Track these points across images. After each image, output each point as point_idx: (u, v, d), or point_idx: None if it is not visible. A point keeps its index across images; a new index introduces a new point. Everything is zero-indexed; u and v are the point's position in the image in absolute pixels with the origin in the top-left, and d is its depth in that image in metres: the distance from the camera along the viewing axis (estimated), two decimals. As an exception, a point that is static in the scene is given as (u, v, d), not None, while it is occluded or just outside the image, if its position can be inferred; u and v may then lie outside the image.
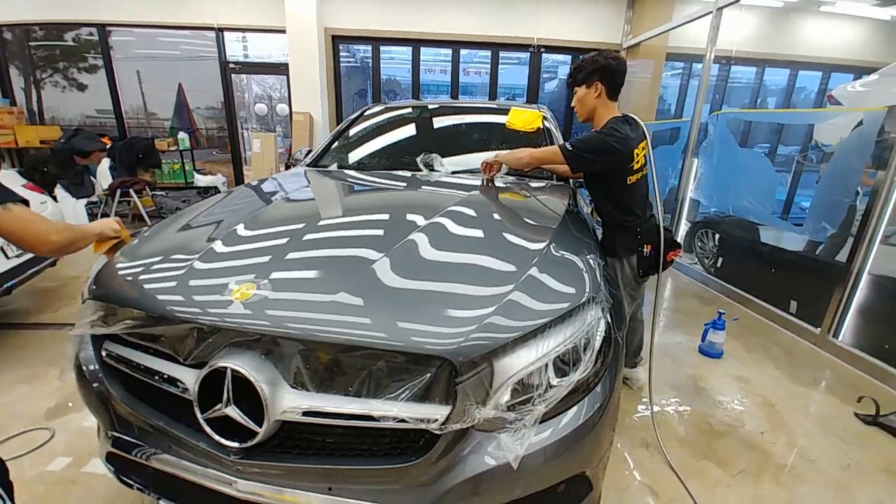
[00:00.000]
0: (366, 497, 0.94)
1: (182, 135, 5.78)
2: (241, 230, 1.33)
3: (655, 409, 2.12)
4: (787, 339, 2.98)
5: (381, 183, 1.98)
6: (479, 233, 1.36)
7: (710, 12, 3.91)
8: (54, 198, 3.61)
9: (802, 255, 3.31)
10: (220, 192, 5.71)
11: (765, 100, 6.67)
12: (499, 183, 1.99)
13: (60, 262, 3.25)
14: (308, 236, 1.27)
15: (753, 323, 3.21)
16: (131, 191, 5.29)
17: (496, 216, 1.54)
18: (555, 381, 0.96)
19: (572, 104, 1.97)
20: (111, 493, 1.56)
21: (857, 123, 3.47)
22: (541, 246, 1.23)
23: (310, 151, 2.62)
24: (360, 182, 2.03)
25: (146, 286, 1.08)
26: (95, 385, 1.17)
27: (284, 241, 1.23)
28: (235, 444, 0.93)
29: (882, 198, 2.51)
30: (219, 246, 1.23)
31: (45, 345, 2.58)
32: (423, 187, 1.89)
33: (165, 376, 1.02)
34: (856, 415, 2.13)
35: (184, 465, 1.04)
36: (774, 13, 6.06)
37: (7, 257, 2.54)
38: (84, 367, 1.21)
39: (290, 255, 1.16)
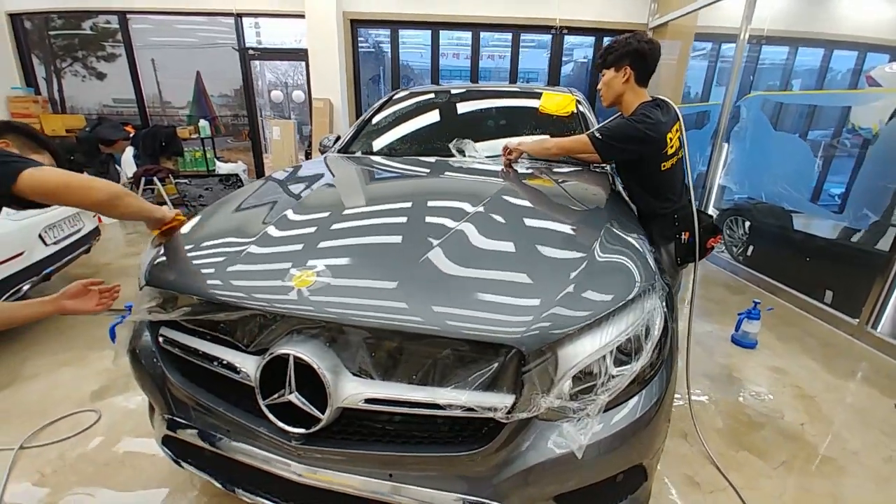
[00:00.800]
0: (427, 484, 0.95)
1: (203, 123, 5.81)
2: (291, 215, 1.34)
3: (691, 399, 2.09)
4: (822, 329, 2.91)
5: (420, 170, 1.95)
6: (529, 220, 1.34)
7: (746, -11, 3.74)
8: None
9: (839, 243, 3.20)
10: (240, 179, 5.79)
11: (796, 82, 6.41)
12: (526, 168, 1.94)
13: (93, 248, 3.32)
14: (359, 223, 1.27)
15: (786, 313, 3.14)
16: (155, 179, 5.36)
17: (544, 202, 1.52)
18: (616, 371, 0.95)
19: (598, 87, 1.90)
20: (160, 474, 1.61)
21: (900, 105, 3.31)
22: (596, 233, 1.20)
23: (338, 138, 2.60)
24: (400, 168, 2.00)
25: (206, 273, 1.09)
26: (152, 370, 1.20)
27: (335, 226, 1.23)
28: (299, 430, 0.94)
29: (931, 184, 2.41)
30: (272, 231, 1.23)
31: (85, 329, 2.65)
32: (463, 174, 1.86)
33: (224, 362, 1.03)
34: (898, 407, 2.08)
35: (243, 448, 1.06)
36: (809, -10, 5.78)
37: (46, 244, 2.60)
38: (139, 352, 1.23)
39: (344, 242, 1.16)
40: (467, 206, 1.32)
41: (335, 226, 1.23)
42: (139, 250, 4.03)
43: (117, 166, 5.65)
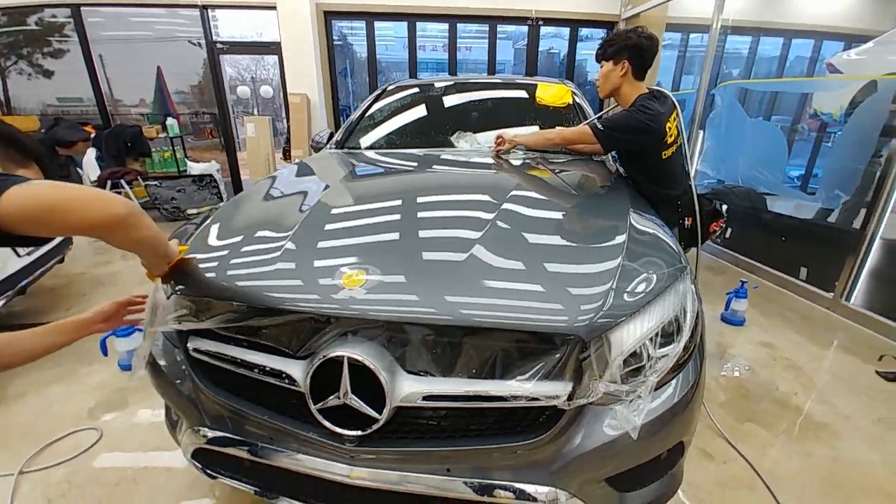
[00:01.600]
0: (486, 476, 0.95)
1: (171, 121, 5.53)
2: (321, 211, 1.31)
3: (693, 376, 2.19)
4: (800, 304, 3.09)
5: (436, 164, 1.93)
6: (558, 210, 1.36)
7: (717, -19, 3.87)
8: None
9: (812, 222, 3.41)
10: (215, 180, 5.55)
11: (759, 69, 6.72)
12: (523, 159, 1.96)
13: (67, 258, 3.12)
14: (392, 217, 1.25)
15: (765, 290, 3.32)
16: (122, 182, 5.07)
17: (566, 192, 1.54)
18: (661, 353, 0.98)
19: (596, 78, 1.94)
20: (178, 489, 1.55)
21: (858, 91, 3.54)
22: (624, 219, 1.24)
23: (332, 135, 2.54)
24: (417, 162, 1.97)
25: (246, 276, 1.04)
26: (180, 381, 1.15)
27: (370, 221, 1.21)
28: (356, 433, 0.92)
29: (896, 164, 2.59)
30: (306, 228, 1.19)
31: (67, 344, 2.49)
32: (477, 168, 1.85)
33: (267, 369, 1.00)
34: (877, 373, 2.25)
35: (288, 455, 1.03)
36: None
37: (19, 255, 2.42)
38: (165, 365, 1.18)
39: (382, 237, 1.14)
40: (494, 200, 1.32)
41: (369, 220, 1.21)
42: (110, 259, 3.82)
43: (79, 169, 5.30)
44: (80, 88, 6.05)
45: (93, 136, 5.40)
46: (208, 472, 1.18)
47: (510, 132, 1.98)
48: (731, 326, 2.74)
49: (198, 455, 1.17)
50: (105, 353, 2.21)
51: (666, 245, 1.20)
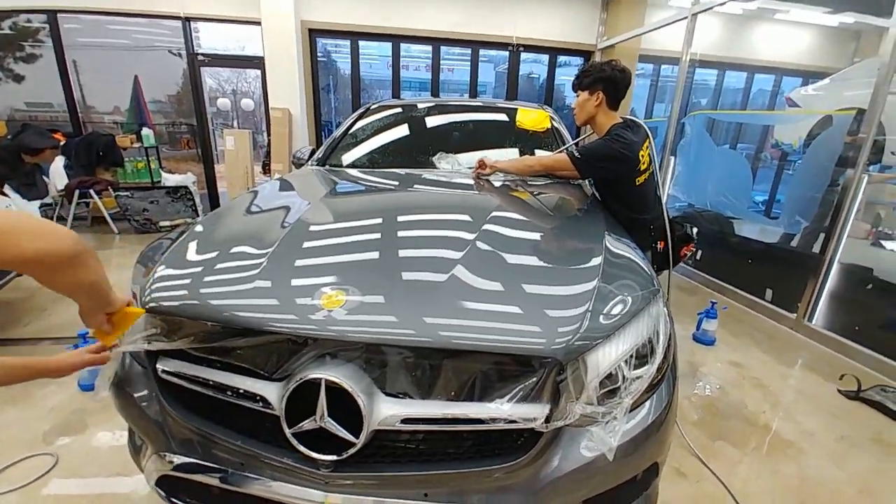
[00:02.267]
0: (465, 500, 0.94)
1: (146, 131, 5.41)
2: (301, 229, 1.29)
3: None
4: (766, 324, 3.22)
5: (417, 185, 1.94)
6: (536, 232, 1.39)
7: (686, 17, 4.12)
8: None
9: (776, 246, 3.58)
10: (190, 191, 5.43)
11: (725, 100, 7.12)
12: (502, 181, 2.01)
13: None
14: (371, 236, 1.25)
15: (734, 311, 3.44)
16: (91, 191, 4.91)
17: (542, 215, 1.58)
18: (635, 374, 1.01)
19: (573, 106, 2.03)
20: (139, 518, 1.46)
21: (815, 124, 3.78)
22: (600, 242, 1.27)
23: (314, 151, 2.54)
24: (397, 182, 1.97)
25: (221, 295, 1.02)
26: (146, 405, 1.10)
27: (349, 240, 1.20)
28: (331, 458, 0.90)
29: (850, 193, 2.77)
30: (285, 248, 1.18)
31: (23, 362, 2.35)
32: (457, 188, 1.88)
33: (241, 391, 0.97)
34: (839, 391, 2.34)
35: (259, 482, 1.00)
36: (733, 20, 6.48)
37: (-25, 268, 2.29)
38: (130, 386, 1.13)
39: (362, 257, 1.13)
40: (475, 221, 1.34)
41: (348, 240, 1.21)
42: (76, 271, 3.65)
43: (45, 178, 5.10)
44: (51, 94, 5.88)
45: (62, 143, 5.22)
46: (173, 500, 1.13)
47: (491, 157, 2.02)
48: (702, 346, 2.82)
49: (163, 482, 1.11)
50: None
51: (639, 268, 1.24)
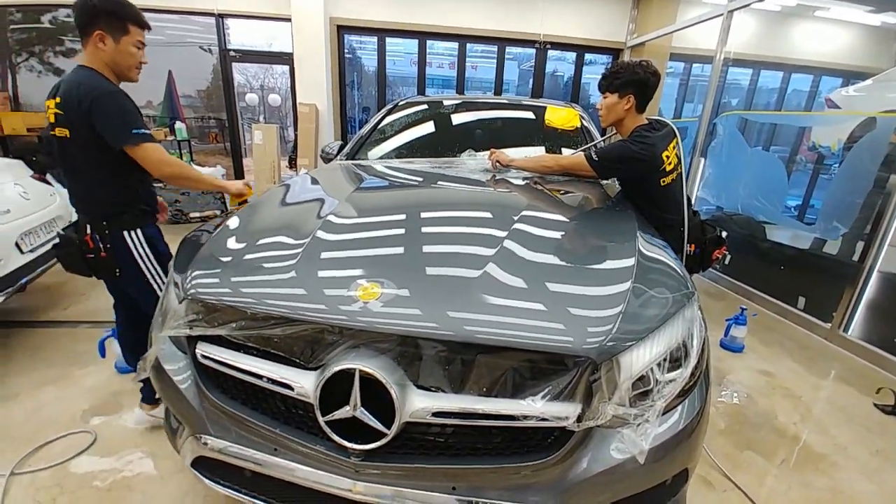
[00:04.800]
0: (492, 496, 0.94)
1: (179, 125, 5.58)
2: (336, 221, 1.32)
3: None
4: (798, 333, 3.11)
5: (448, 180, 1.95)
6: (567, 232, 1.38)
7: (721, 14, 4.00)
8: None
9: (811, 252, 3.45)
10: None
11: (759, 101, 6.88)
12: (522, 179, 1.99)
13: (67, 256, 3.10)
14: (404, 231, 1.26)
15: (764, 318, 3.34)
16: (126, 182, 5.09)
17: (573, 214, 1.57)
18: (668, 377, 0.99)
19: (598, 107, 1.97)
20: (172, 499, 1.52)
21: (857, 126, 3.62)
22: (634, 243, 1.25)
23: (342, 146, 2.57)
24: (429, 178, 1.98)
25: (261, 284, 1.05)
26: (185, 387, 1.14)
27: (384, 234, 1.22)
28: (363, 447, 0.92)
29: (894, 200, 2.64)
30: (321, 240, 1.20)
31: (62, 343, 2.47)
32: (487, 186, 1.88)
33: (277, 378, 1.00)
34: (875, 405, 2.25)
35: (291, 467, 1.02)
36: (770, 17, 6.25)
37: (22, 252, 2.42)
38: (168, 369, 1.17)
39: (397, 251, 1.15)
40: (505, 219, 1.34)
41: (381, 234, 1.23)
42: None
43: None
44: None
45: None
46: (208, 480, 1.17)
47: (508, 153, 2.02)
48: (729, 353, 2.74)
49: (198, 463, 1.16)
50: (103, 354, 2.21)
51: (673, 270, 1.22)
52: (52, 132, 1.47)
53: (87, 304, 3.02)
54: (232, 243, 1.25)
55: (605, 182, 2.10)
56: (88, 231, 1.53)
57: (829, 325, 2.97)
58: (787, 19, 6.26)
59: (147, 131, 1.48)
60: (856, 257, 2.86)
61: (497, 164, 2.01)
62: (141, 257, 1.59)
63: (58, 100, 1.43)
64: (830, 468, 1.81)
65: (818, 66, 6.36)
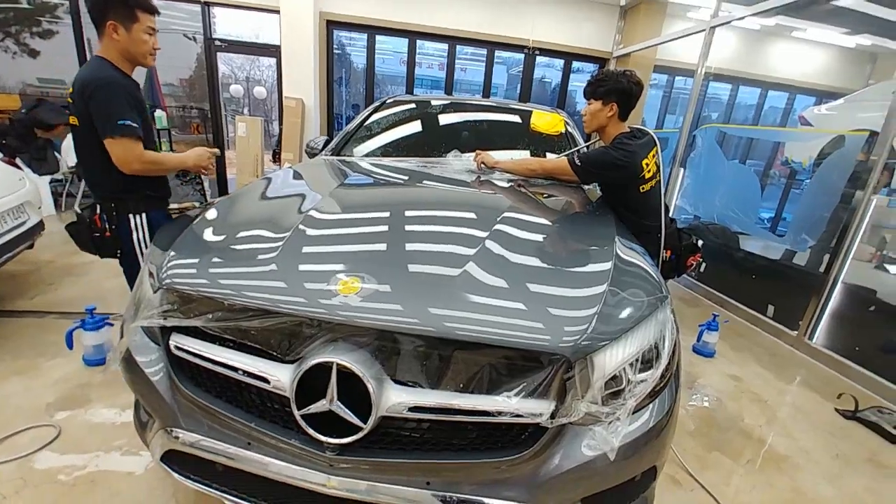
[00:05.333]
0: (466, 491, 0.96)
1: (159, 113, 5.42)
2: (319, 215, 1.31)
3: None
4: (767, 340, 3.22)
5: (432, 179, 1.95)
6: (547, 234, 1.41)
7: (704, 30, 4.12)
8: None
9: (781, 263, 3.58)
10: (199, 175, 5.46)
11: (737, 115, 7.11)
12: (507, 182, 2.01)
13: (36, 244, 2.99)
14: (386, 228, 1.26)
15: (735, 325, 3.45)
16: (101, 170, 4.93)
17: (553, 216, 1.60)
18: (640, 377, 1.02)
19: (582, 113, 2.03)
20: (137, 494, 1.48)
21: (827, 144, 3.78)
22: (612, 247, 1.29)
23: (328, 141, 2.55)
24: (414, 177, 1.98)
25: (240, 275, 1.03)
26: (157, 380, 1.12)
27: (366, 230, 1.22)
28: (338, 441, 0.92)
29: (859, 215, 2.77)
30: (304, 232, 1.20)
31: (29, 333, 2.39)
32: (469, 187, 1.89)
33: (251, 371, 0.99)
34: (836, 410, 2.35)
35: (265, 461, 1.01)
36: (750, 35, 6.48)
37: (-12, 237, 2.32)
38: (140, 360, 1.15)
39: (377, 248, 1.15)
40: (487, 220, 1.35)
41: (363, 230, 1.23)
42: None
43: (56, 154, 5.13)
44: (64, 70, 5.92)
45: (75, 121, 5.26)
46: (178, 475, 1.14)
47: (493, 155, 2.04)
48: (701, 357, 2.83)
49: (168, 457, 1.13)
50: (70, 346, 2.14)
51: (648, 274, 1.25)
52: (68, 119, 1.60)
53: (56, 293, 2.91)
54: (210, 234, 1.23)
55: (586, 187, 2.15)
56: (98, 211, 1.63)
57: (796, 332, 3.09)
58: (765, 38, 6.50)
59: (132, 124, 1.51)
60: (822, 269, 2.98)
61: (482, 165, 2.04)
62: (138, 240, 1.67)
63: (71, 90, 1.53)
64: (793, 469, 1.89)
65: (794, 84, 6.62)
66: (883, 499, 1.78)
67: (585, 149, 2.23)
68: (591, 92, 1.93)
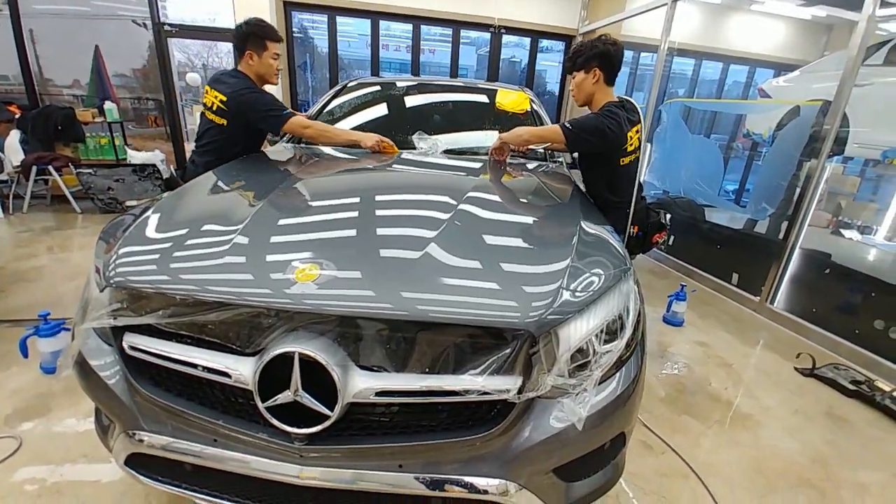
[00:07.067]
0: (439, 470, 0.96)
1: (109, 105, 5.13)
2: (274, 204, 1.27)
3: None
4: (731, 307, 3.36)
5: (396, 162, 1.91)
6: (511, 213, 1.40)
7: (665, 4, 4.14)
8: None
9: (743, 232, 3.71)
10: (158, 170, 5.20)
11: (701, 90, 7.24)
12: (475, 164, 1.99)
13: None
14: (347, 214, 1.23)
15: (702, 294, 3.58)
16: (50, 168, 4.65)
17: (521, 196, 1.59)
18: (605, 348, 1.04)
19: (570, 88, 2.01)
20: (107, 501, 1.43)
21: (784, 115, 3.90)
22: (577, 223, 1.29)
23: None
24: (376, 160, 1.93)
25: (192, 269, 0.99)
26: (112, 382, 1.07)
27: (324, 217, 1.19)
28: (305, 431, 0.90)
29: (813, 182, 2.88)
30: (257, 221, 1.15)
31: (-21, 344, 2.25)
32: (436, 169, 1.86)
33: (213, 366, 0.95)
34: (795, 369, 2.48)
35: (233, 457, 0.99)
36: (710, 9, 6.57)
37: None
38: (94, 364, 1.09)
39: (337, 233, 1.12)
40: (451, 201, 1.33)
41: (323, 217, 1.19)
42: (34, 251, 3.49)
43: (0, 153, 4.80)
44: (5, 65, 5.48)
45: (17, 116, 4.92)
46: (144, 479, 1.11)
47: (489, 134, 2.00)
48: (671, 327, 2.92)
49: (132, 461, 1.10)
50: (25, 354, 2.03)
51: (612, 248, 1.27)
52: (208, 116, 2.03)
53: (6, 301, 2.75)
54: (159, 227, 1.17)
55: (553, 164, 2.15)
56: None
57: (758, 298, 3.22)
58: (725, 12, 6.61)
59: (288, 110, 2.07)
60: (781, 236, 3.10)
61: (501, 153, 1.98)
62: None
63: (221, 96, 1.96)
64: (756, 427, 1.99)
65: (754, 57, 6.78)
66: (840, 448, 1.90)
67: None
68: (570, 66, 1.93)
